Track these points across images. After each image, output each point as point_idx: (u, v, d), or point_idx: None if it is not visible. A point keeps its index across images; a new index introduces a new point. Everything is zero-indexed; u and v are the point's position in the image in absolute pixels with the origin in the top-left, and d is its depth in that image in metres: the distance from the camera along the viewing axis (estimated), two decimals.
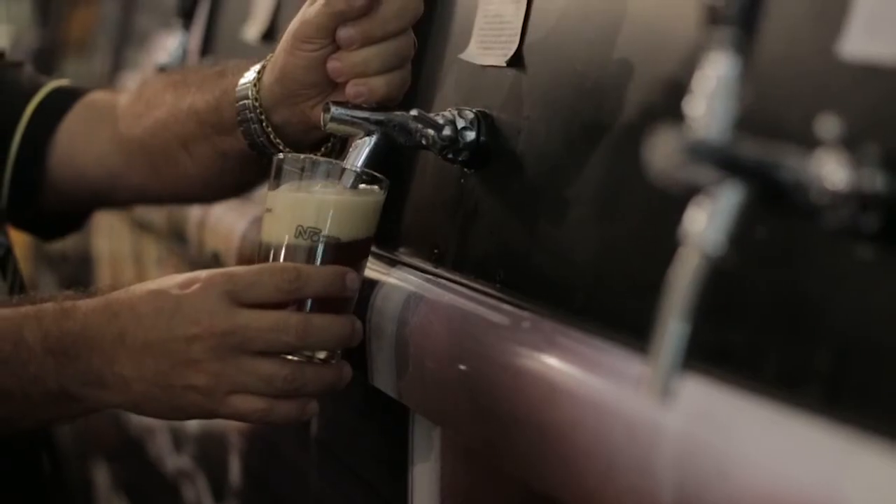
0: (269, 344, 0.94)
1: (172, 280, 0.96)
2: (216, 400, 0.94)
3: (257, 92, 1.08)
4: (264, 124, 1.08)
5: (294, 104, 1.07)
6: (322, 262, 0.97)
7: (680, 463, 0.63)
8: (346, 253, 0.99)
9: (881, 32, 0.62)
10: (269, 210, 1.00)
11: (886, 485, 0.54)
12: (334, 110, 0.98)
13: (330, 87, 1.05)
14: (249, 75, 1.10)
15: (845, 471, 0.55)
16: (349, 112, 0.99)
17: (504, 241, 0.94)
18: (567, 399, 0.73)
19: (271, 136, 1.08)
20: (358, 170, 0.98)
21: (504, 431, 0.81)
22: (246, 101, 1.09)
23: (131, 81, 2.55)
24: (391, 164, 1.01)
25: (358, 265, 1.00)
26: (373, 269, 1.06)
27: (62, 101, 1.27)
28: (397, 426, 1.03)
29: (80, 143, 1.26)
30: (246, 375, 0.94)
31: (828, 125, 0.58)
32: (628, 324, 0.74)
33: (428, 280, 0.99)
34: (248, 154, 1.12)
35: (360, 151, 0.98)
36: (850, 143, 0.57)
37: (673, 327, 0.58)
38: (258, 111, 1.08)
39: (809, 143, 0.58)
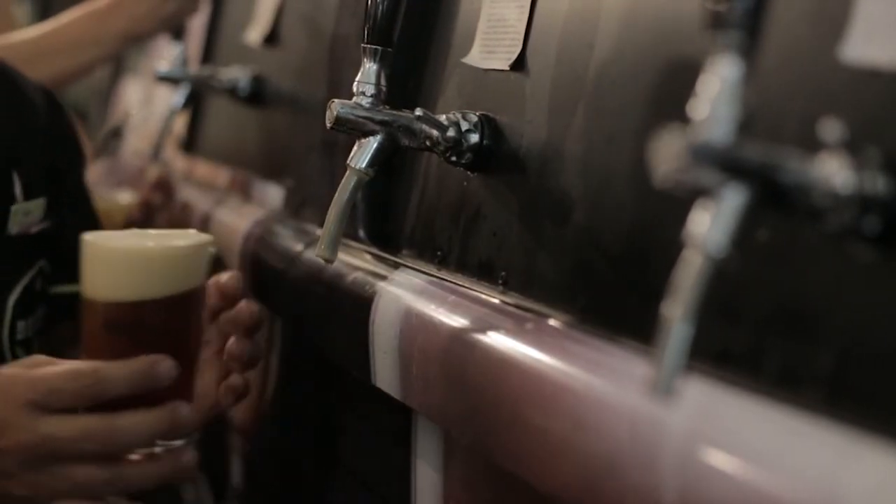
0: (78, 452, 0.92)
1: None
2: None
3: None
4: None
5: None
6: (144, 327, 0.95)
7: (683, 462, 0.63)
8: (173, 310, 0.96)
9: (881, 37, 0.62)
10: (84, 285, 0.97)
11: (886, 484, 0.54)
12: (339, 109, 0.98)
13: None
14: None
15: (846, 470, 0.56)
16: (353, 111, 0.99)
17: (507, 243, 0.95)
18: (570, 399, 0.74)
19: None
20: (363, 170, 0.98)
21: (507, 432, 0.81)
22: None
23: (132, 87, 2.56)
24: (395, 166, 1.02)
25: (189, 320, 0.98)
26: (376, 271, 1.07)
27: None
28: (400, 428, 1.03)
29: None
30: (62, 483, 0.93)
31: (830, 128, 0.58)
32: (631, 325, 0.75)
33: (431, 282, 1.00)
34: None
35: (365, 151, 0.98)
36: (852, 147, 0.58)
37: (676, 328, 0.59)
38: None
39: (812, 146, 0.59)
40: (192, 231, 1.01)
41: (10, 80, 1.28)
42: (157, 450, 0.96)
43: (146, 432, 0.94)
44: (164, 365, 0.94)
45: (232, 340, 1.09)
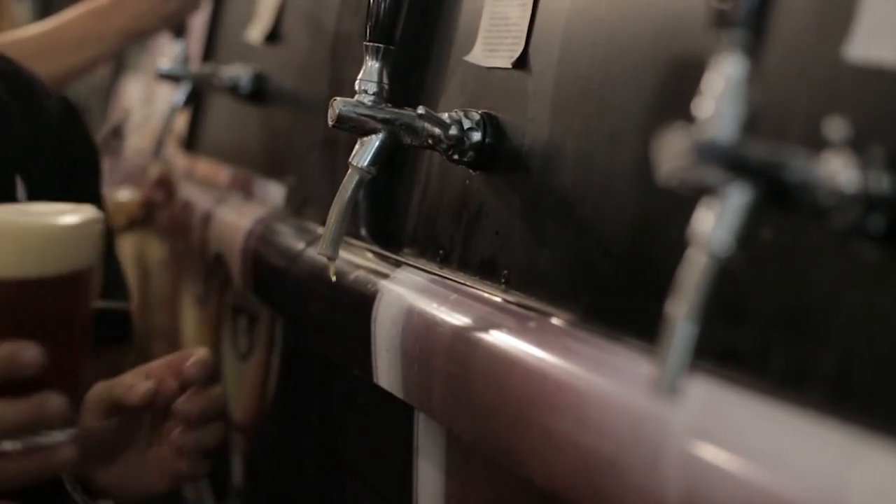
0: None
1: None
2: None
3: None
4: None
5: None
6: (19, 309, 0.89)
7: (686, 461, 0.63)
8: (55, 292, 0.90)
9: (886, 36, 0.62)
10: None
11: (892, 484, 0.54)
12: (341, 107, 0.98)
13: None
14: None
15: (851, 470, 0.56)
16: (355, 109, 0.98)
17: (509, 241, 0.95)
18: (573, 398, 0.74)
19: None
20: (365, 168, 0.98)
21: (510, 431, 0.81)
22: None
23: (133, 84, 2.55)
24: (397, 164, 1.02)
25: (73, 305, 0.92)
26: (378, 270, 1.07)
27: None
28: (402, 426, 1.03)
29: None
30: None
31: (835, 127, 0.58)
32: (634, 323, 0.74)
33: (433, 280, 1.00)
34: None
35: (367, 149, 0.98)
36: (857, 145, 0.58)
37: (681, 327, 0.59)
38: None
39: (816, 144, 0.59)
40: (85, 206, 0.94)
41: (26, 85, 1.28)
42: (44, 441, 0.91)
43: (9, 423, 0.89)
44: (29, 352, 0.88)
45: (177, 430, 1.08)
